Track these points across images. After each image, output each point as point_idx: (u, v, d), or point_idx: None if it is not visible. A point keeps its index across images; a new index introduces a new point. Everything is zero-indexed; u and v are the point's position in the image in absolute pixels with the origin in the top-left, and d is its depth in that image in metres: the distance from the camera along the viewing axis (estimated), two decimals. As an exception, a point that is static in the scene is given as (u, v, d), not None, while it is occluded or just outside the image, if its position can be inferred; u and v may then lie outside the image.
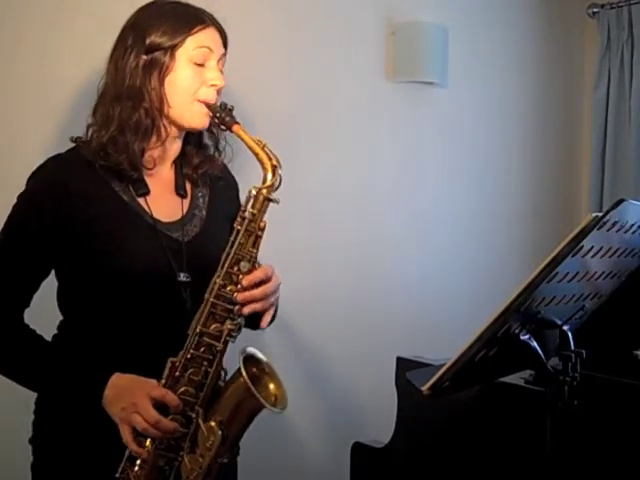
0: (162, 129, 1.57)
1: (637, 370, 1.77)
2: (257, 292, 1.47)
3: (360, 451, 2.08)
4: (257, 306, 1.48)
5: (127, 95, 1.52)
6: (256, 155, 1.49)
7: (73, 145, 1.59)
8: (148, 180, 1.58)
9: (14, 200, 1.56)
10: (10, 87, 2.15)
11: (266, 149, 1.49)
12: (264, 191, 1.48)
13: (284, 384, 1.52)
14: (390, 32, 2.83)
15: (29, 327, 1.55)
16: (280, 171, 1.49)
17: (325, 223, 2.69)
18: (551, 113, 3.36)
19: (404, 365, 1.97)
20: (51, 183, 1.51)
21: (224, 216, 1.66)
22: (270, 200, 1.49)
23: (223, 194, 1.71)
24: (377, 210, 2.85)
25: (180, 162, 1.65)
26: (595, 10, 3.30)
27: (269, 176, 1.48)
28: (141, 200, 1.56)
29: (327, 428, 2.71)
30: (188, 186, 1.65)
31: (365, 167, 2.82)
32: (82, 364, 1.50)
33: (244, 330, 1.52)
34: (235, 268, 1.47)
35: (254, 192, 1.48)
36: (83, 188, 1.51)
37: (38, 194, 1.52)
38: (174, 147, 1.62)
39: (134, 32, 1.54)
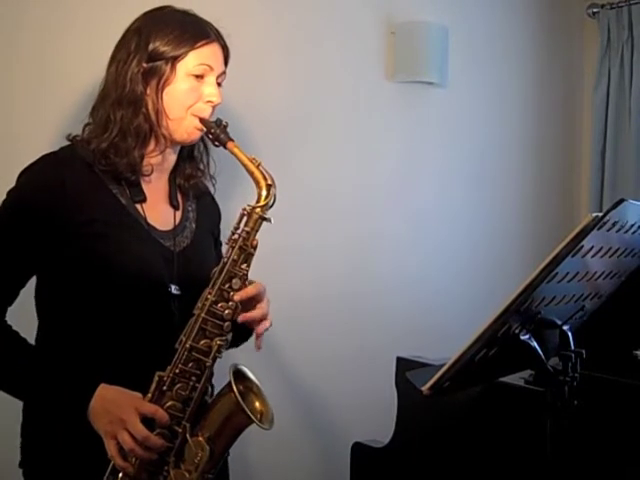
0: (160, 137, 1.56)
1: (637, 370, 1.77)
2: (256, 313, 1.49)
3: (360, 451, 2.08)
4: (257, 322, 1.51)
5: (128, 101, 1.51)
6: (251, 174, 1.49)
7: (68, 143, 1.56)
8: (144, 187, 1.57)
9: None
10: (11, 86, 2.14)
11: (261, 168, 1.49)
12: (258, 210, 1.48)
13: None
14: (390, 32, 2.82)
15: (11, 327, 1.50)
16: (274, 190, 1.49)
17: (323, 223, 2.68)
18: (551, 113, 3.36)
19: (404, 365, 1.97)
20: (46, 182, 1.47)
21: (208, 231, 1.68)
22: (264, 219, 1.49)
23: (207, 210, 1.71)
24: (376, 210, 2.85)
25: (174, 174, 1.65)
26: (595, 10, 3.29)
27: (263, 195, 1.48)
28: (137, 206, 1.55)
29: (327, 428, 2.71)
30: (180, 198, 1.65)
31: (364, 167, 2.81)
32: (67, 372, 1.45)
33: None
34: (227, 285, 1.47)
35: (248, 210, 1.49)
36: (80, 189, 1.48)
37: (31, 192, 1.48)
38: (170, 159, 1.62)
39: (138, 37, 1.52)
